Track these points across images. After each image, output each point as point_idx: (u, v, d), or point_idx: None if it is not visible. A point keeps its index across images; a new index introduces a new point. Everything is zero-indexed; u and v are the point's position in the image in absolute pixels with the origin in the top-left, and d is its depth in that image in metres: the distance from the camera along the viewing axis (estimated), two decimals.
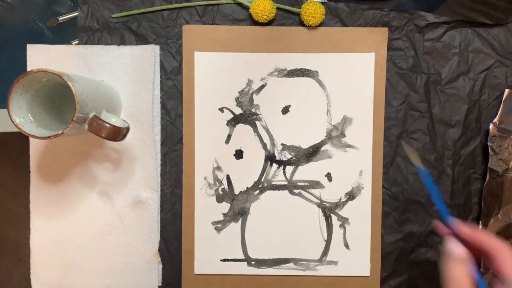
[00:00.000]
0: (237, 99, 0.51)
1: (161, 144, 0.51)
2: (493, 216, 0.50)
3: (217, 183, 0.51)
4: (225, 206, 0.51)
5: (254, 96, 0.50)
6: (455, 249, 0.35)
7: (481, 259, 0.36)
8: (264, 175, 0.51)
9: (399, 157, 0.51)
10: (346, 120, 0.50)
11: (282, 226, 0.51)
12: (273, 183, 0.51)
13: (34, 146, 0.50)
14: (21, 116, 0.41)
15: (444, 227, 0.37)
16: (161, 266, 0.51)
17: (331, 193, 0.51)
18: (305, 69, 0.50)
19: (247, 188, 0.51)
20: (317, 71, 0.50)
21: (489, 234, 0.35)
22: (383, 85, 0.50)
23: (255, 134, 0.51)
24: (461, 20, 0.50)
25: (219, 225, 0.51)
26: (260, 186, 0.51)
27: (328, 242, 0.51)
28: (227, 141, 0.51)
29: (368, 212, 0.51)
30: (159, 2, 0.51)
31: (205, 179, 0.51)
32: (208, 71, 0.50)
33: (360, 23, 0.50)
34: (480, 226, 0.49)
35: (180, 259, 0.51)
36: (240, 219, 0.51)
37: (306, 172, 0.51)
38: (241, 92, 0.50)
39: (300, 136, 0.51)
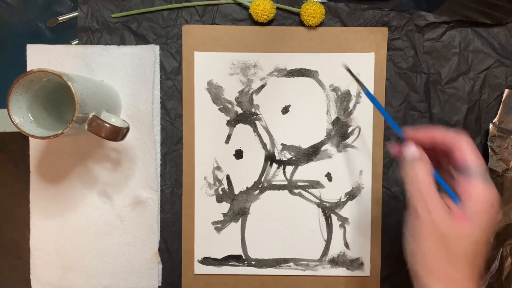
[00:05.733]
0: (237, 99, 0.51)
1: (161, 144, 0.51)
2: None
3: (217, 183, 0.51)
4: (225, 206, 0.51)
5: (254, 96, 0.50)
6: (412, 150, 0.35)
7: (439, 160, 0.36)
8: (264, 175, 0.51)
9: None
10: (346, 120, 0.50)
11: (282, 226, 0.51)
12: (273, 183, 0.51)
13: (34, 146, 0.50)
14: (21, 116, 0.41)
15: (398, 144, 0.37)
16: (161, 266, 0.51)
17: (331, 193, 0.51)
18: (305, 69, 0.50)
19: (247, 188, 0.51)
20: (317, 71, 0.50)
21: (442, 129, 0.35)
22: (383, 85, 0.50)
23: (255, 134, 0.51)
24: (461, 20, 0.50)
25: (219, 225, 0.51)
26: (260, 186, 0.51)
27: (328, 242, 0.51)
28: (227, 141, 0.51)
29: (368, 212, 0.51)
30: (159, 2, 0.51)
31: (205, 179, 0.51)
32: (208, 71, 0.50)
33: (360, 23, 0.50)
34: None
35: (180, 259, 0.51)
36: (240, 219, 0.51)
37: (306, 172, 0.51)
38: (241, 92, 0.50)
39: (300, 136, 0.51)
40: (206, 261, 0.51)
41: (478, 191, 0.32)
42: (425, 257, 0.32)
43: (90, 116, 0.41)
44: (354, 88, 0.50)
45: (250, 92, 0.50)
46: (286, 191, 0.51)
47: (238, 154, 0.51)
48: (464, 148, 0.33)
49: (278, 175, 0.51)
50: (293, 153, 0.51)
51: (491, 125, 0.49)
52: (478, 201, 0.32)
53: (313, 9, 0.48)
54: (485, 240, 0.32)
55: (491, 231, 0.33)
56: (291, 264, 0.51)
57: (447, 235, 0.31)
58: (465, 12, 0.50)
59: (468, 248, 0.31)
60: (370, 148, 0.50)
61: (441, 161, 0.36)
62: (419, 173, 0.33)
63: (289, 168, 0.51)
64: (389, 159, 0.51)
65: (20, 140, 0.51)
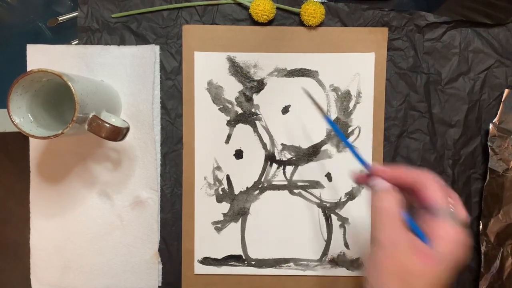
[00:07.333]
0: (237, 99, 0.51)
1: (161, 144, 0.51)
2: (493, 216, 0.50)
3: (217, 183, 0.51)
4: (225, 206, 0.51)
5: (254, 96, 0.50)
6: (382, 184, 0.34)
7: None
8: (264, 175, 0.51)
9: (399, 157, 0.51)
10: (346, 120, 0.50)
11: (282, 226, 0.51)
12: (273, 183, 0.51)
13: (34, 146, 0.50)
14: (21, 116, 0.41)
15: (363, 174, 0.36)
16: (161, 266, 0.51)
17: (331, 193, 0.51)
18: (305, 69, 0.50)
19: (247, 188, 0.51)
20: (317, 71, 0.50)
21: (409, 168, 0.34)
22: (383, 85, 0.50)
23: (255, 134, 0.51)
24: (461, 20, 0.50)
25: (219, 225, 0.51)
26: (260, 186, 0.51)
27: (328, 242, 0.51)
28: (227, 141, 0.51)
29: (368, 212, 0.51)
30: (159, 2, 0.51)
31: (205, 179, 0.51)
32: (208, 71, 0.50)
33: (360, 23, 0.50)
34: (481, 226, 0.49)
35: (180, 259, 0.51)
36: (240, 219, 0.51)
37: (306, 172, 0.51)
38: (241, 92, 0.50)
39: (300, 136, 0.51)
40: (206, 261, 0.51)
41: (446, 231, 0.31)
42: None
43: (90, 116, 0.41)
44: (354, 88, 0.50)
45: (250, 92, 0.50)
46: (286, 191, 0.51)
47: (238, 154, 0.51)
48: (432, 187, 0.32)
49: (278, 175, 0.51)
50: (293, 153, 0.51)
51: (491, 125, 0.49)
52: (446, 242, 0.30)
53: (313, 9, 0.48)
54: (447, 279, 0.31)
55: (454, 271, 0.31)
56: (291, 264, 0.51)
57: (410, 272, 0.30)
58: (465, 12, 0.50)
59: (430, 286, 0.30)
60: (370, 148, 0.50)
61: (409, 200, 0.35)
62: (386, 204, 0.33)
63: (289, 168, 0.51)
64: (389, 159, 0.51)
65: (20, 140, 0.51)
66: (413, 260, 0.30)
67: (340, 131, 0.44)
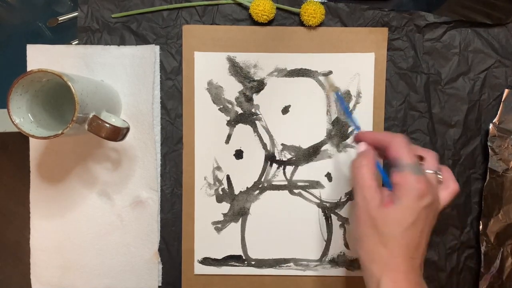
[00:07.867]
0: (237, 99, 0.51)
1: (161, 144, 0.51)
2: (493, 216, 0.50)
3: (217, 183, 0.51)
4: (225, 206, 0.51)
5: (254, 96, 0.50)
6: (359, 147, 0.40)
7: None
8: (264, 175, 0.51)
9: None
10: (346, 120, 0.50)
11: (282, 226, 0.51)
12: (273, 183, 0.51)
13: (34, 146, 0.50)
14: (21, 116, 0.41)
15: (355, 135, 0.42)
16: (161, 266, 0.51)
17: (331, 193, 0.51)
18: (305, 69, 0.50)
19: (247, 188, 0.51)
20: (317, 71, 0.50)
21: (385, 132, 0.39)
22: (383, 85, 0.50)
23: (255, 134, 0.51)
24: (461, 20, 0.50)
25: (219, 225, 0.51)
26: (260, 186, 0.51)
27: (328, 242, 0.51)
28: (227, 141, 0.51)
29: None
30: (159, 2, 0.51)
31: (205, 179, 0.51)
32: (208, 71, 0.50)
33: (360, 23, 0.50)
34: (481, 227, 0.49)
35: (180, 259, 0.51)
36: (240, 219, 0.51)
37: (306, 172, 0.51)
38: (241, 92, 0.50)
39: (300, 136, 0.51)
40: (206, 261, 0.51)
41: (405, 180, 0.35)
42: (363, 241, 0.36)
43: (90, 116, 0.41)
44: (354, 88, 0.50)
45: (250, 92, 0.50)
46: (286, 191, 0.51)
47: (238, 154, 0.51)
48: (396, 146, 0.37)
49: (278, 175, 0.51)
50: (293, 153, 0.51)
51: (491, 125, 0.49)
52: (404, 189, 0.35)
53: (313, 9, 0.48)
54: (418, 228, 0.35)
55: (427, 221, 0.36)
56: (291, 264, 0.51)
57: (376, 218, 0.35)
58: (465, 12, 0.50)
59: (396, 230, 0.35)
60: None
61: (387, 156, 0.40)
62: (361, 168, 0.37)
63: (289, 168, 0.51)
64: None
65: (20, 140, 0.51)
66: (379, 209, 0.35)
67: (343, 100, 0.48)
